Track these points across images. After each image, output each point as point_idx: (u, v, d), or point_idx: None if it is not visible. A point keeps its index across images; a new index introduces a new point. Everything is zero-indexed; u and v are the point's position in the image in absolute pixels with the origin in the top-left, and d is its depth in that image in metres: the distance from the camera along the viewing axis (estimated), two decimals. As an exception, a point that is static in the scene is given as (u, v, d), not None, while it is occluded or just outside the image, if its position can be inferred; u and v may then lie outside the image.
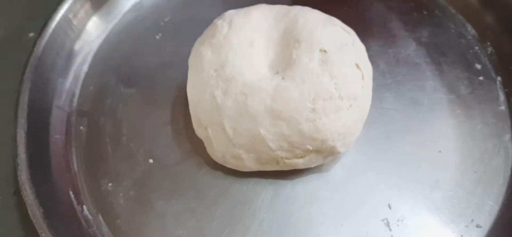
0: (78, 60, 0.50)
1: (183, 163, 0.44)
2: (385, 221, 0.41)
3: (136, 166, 0.44)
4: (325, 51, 0.40)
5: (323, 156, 0.41)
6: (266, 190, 0.43)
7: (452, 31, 0.52)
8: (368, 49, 0.44)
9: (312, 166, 0.42)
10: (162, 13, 0.53)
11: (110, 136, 0.46)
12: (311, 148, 0.39)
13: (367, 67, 0.43)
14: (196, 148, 0.45)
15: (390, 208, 0.42)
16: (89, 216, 0.42)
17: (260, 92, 0.39)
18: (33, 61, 0.45)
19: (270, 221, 0.41)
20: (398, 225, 0.41)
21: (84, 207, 0.42)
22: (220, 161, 0.43)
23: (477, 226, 0.41)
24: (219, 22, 0.44)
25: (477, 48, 0.51)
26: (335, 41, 0.41)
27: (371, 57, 0.44)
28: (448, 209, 0.42)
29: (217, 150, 0.41)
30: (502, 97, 0.47)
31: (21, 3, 0.55)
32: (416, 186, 0.43)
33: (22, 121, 0.43)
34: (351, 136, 0.41)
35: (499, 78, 0.49)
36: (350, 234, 0.41)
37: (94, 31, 0.52)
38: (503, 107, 0.47)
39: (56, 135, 0.45)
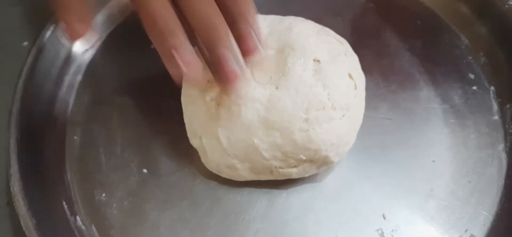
0: (72, 69, 0.50)
1: (178, 173, 0.44)
2: (380, 231, 0.41)
3: (130, 176, 0.44)
4: (318, 61, 0.40)
5: (317, 165, 0.41)
6: (261, 200, 0.43)
7: (446, 41, 0.52)
8: (362, 59, 0.44)
9: (306, 175, 0.42)
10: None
11: (104, 146, 0.46)
12: (304, 158, 0.39)
13: (360, 77, 0.43)
14: (191, 158, 0.45)
15: (384, 218, 0.42)
16: (83, 227, 0.42)
17: (254, 102, 0.39)
18: (27, 70, 0.45)
19: (265, 232, 0.41)
20: (392, 236, 0.41)
21: (78, 217, 0.42)
22: (214, 171, 0.43)
23: (471, 236, 0.41)
24: (213, 32, 0.44)
25: (470, 58, 0.51)
26: (329, 51, 0.41)
27: (365, 67, 0.44)
28: (443, 219, 0.42)
29: (212, 159, 0.41)
30: (495, 107, 0.48)
31: (15, 12, 0.55)
32: (410, 196, 0.43)
33: (15, 131, 0.42)
34: (345, 146, 0.41)
35: (492, 88, 0.49)
36: (344, 245, 0.41)
37: (88, 41, 0.51)
38: (496, 117, 0.47)
39: (50, 145, 0.45)
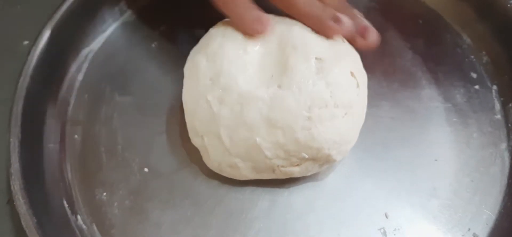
0: (73, 68, 0.49)
1: (179, 172, 0.44)
2: (382, 230, 0.41)
3: (131, 175, 0.44)
4: (320, 59, 0.40)
5: (319, 164, 0.41)
6: (263, 199, 0.43)
7: (448, 40, 0.52)
8: (364, 58, 0.44)
9: (308, 174, 0.42)
10: (157, 22, 0.53)
11: (105, 145, 0.46)
12: (306, 156, 0.39)
13: (362, 75, 0.43)
14: (192, 156, 0.44)
15: (387, 217, 0.42)
16: (83, 226, 0.42)
17: (257, 101, 0.38)
18: (27, 69, 0.45)
19: (267, 231, 0.41)
20: (394, 235, 0.41)
21: (78, 217, 0.42)
22: (216, 170, 0.42)
23: (474, 235, 0.41)
24: (214, 31, 0.44)
25: (472, 57, 0.51)
26: (331, 50, 0.41)
27: (367, 66, 0.44)
28: (445, 218, 0.42)
29: (214, 159, 0.41)
30: (497, 106, 0.48)
31: (15, 10, 0.55)
32: (413, 195, 0.43)
33: (15, 130, 0.42)
34: (347, 144, 0.41)
35: (494, 87, 0.49)
36: (347, 244, 0.41)
37: (89, 39, 0.51)
38: (499, 116, 0.47)
39: (50, 144, 0.45)
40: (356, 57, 0.43)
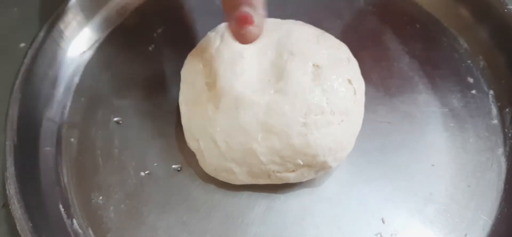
0: (69, 71, 0.49)
1: (175, 176, 0.44)
2: (379, 235, 0.41)
3: (128, 179, 0.44)
4: (318, 66, 0.40)
5: (315, 170, 0.41)
6: (259, 204, 0.43)
7: (445, 44, 0.52)
8: (361, 62, 0.44)
9: (304, 180, 0.42)
10: (155, 25, 0.53)
11: (101, 148, 0.45)
12: (301, 163, 0.39)
13: (360, 83, 0.43)
14: (189, 160, 0.44)
15: (383, 222, 0.42)
16: (79, 230, 0.41)
17: (253, 106, 0.38)
18: (24, 72, 0.45)
19: (263, 236, 0.41)
20: (391, 240, 0.41)
21: (74, 220, 0.42)
22: (212, 174, 0.42)
23: (471, 241, 0.41)
24: (212, 34, 0.44)
25: (469, 62, 0.51)
26: (328, 57, 0.41)
27: (364, 70, 0.44)
28: (442, 224, 0.42)
29: (209, 163, 0.41)
30: (494, 111, 0.48)
31: (12, 13, 0.55)
32: (409, 200, 0.43)
33: (11, 133, 0.42)
34: (343, 151, 0.41)
35: (491, 92, 0.49)
36: (343, 249, 0.41)
37: (86, 42, 0.51)
38: (495, 121, 0.47)
39: (46, 147, 0.45)
40: (354, 65, 0.43)
